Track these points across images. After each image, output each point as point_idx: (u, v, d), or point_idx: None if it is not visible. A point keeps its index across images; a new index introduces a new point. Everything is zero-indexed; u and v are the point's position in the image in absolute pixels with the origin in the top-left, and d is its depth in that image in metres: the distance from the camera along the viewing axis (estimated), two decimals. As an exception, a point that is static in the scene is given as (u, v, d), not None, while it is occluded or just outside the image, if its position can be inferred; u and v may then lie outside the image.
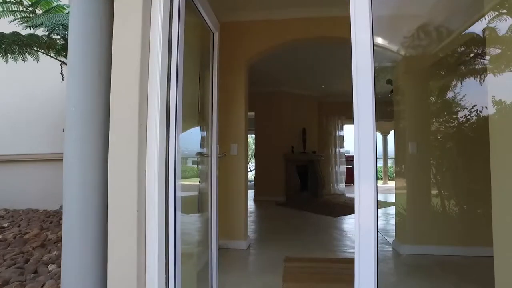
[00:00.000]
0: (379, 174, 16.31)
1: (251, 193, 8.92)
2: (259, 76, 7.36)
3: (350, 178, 12.67)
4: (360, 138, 1.55)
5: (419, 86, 3.86)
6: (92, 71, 1.64)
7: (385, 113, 10.18)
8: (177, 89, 1.78)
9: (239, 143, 4.04)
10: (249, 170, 16.41)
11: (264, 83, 8.03)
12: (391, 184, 13.41)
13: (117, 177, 1.61)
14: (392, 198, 8.50)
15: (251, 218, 6.04)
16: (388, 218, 5.97)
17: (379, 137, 14.47)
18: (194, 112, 2.49)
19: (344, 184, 9.69)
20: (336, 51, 5.64)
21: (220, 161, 3.83)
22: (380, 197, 8.90)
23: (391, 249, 4.00)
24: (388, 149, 14.73)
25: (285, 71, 6.99)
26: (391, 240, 4.40)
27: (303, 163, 8.75)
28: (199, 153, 2.50)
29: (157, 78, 1.69)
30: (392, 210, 6.65)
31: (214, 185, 2.54)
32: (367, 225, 1.52)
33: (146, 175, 1.66)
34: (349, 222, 5.62)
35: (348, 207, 7.07)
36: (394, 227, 4.89)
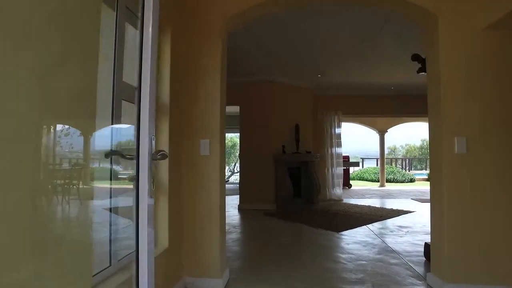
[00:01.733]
0: (374, 176, 15.30)
1: (235, 200, 7.71)
2: (244, 62, 6.16)
3: (346, 182, 11.61)
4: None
5: (473, 54, 2.72)
6: None
7: (385, 108, 9.12)
8: None
9: (213, 139, 2.84)
10: (235, 171, 15.07)
11: (250, 71, 6.83)
12: (389, 186, 12.37)
13: None
14: (390, 203, 7.40)
15: (233, 235, 4.83)
16: (402, 234, 4.84)
17: (375, 135, 13.47)
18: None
19: (341, 188, 8.56)
20: (334, 27, 4.49)
21: (178, 164, 2.69)
22: (374, 203, 7.80)
23: None
24: (385, 149, 13.70)
25: (275, 55, 5.82)
26: (420, 270, 3.25)
27: (296, 165, 7.59)
28: (113, 153, 1.30)
29: None
30: (399, 221, 5.55)
31: (144, 203, 1.35)
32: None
33: None
34: (358, 240, 4.46)
35: (351, 217, 5.92)
36: (422, 251, 3.75)
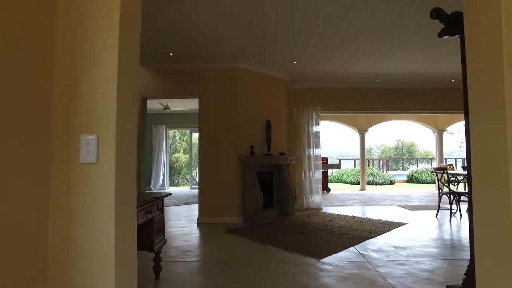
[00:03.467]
0: (353, 178, 14.37)
1: (194, 212, 6.43)
2: (202, 45, 4.90)
3: (324, 186, 10.55)
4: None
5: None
6: None
7: (369, 103, 8.07)
8: None
9: (103, 135, 1.57)
10: (193, 179, 13.55)
11: (211, 56, 5.58)
12: (370, 189, 11.42)
13: None
14: (375, 212, 6.33)
15: (178, 267, 3.55)
16: (402, 260, 3.72)
17: (352, 135, 12.53)
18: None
19: (320, 194, 7.43)
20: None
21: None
22: (358, 211, 6.72)
23: None
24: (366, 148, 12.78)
25: (242, 36, 4.60)
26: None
27: (267, 168, 6.39)
28: None
29: None
30: (393, 238, 4.44)
31: None
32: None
33: None
34: (347, 274, 3.29)
35: (334, 234, 4.77)
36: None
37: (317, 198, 7.30)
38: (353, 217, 6.26)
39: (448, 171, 6.03)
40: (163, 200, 3.31)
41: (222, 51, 5.44)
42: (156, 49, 5.28)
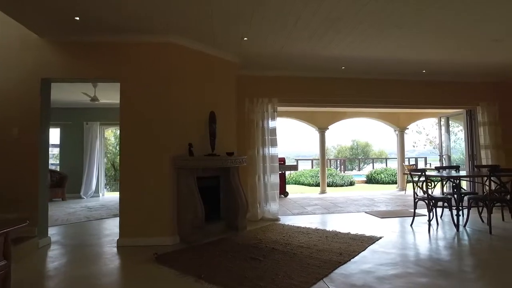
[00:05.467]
0: (311, 179, 13.48)
1: (114, 230, 4.99)
2: (123, 6, 3.52)
3: (281, 190, 9.45)
4: None
5: None
6: None
7: (335, 95, 6.82)
8: None
9: None
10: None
11: (135, 26, 4.19)
12: (331, 192, 10.50)
13: None
14: (337, 221, 5.26)
15: None
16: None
17: (314, 133, 11.64)
18: None
19: (277, 201, 6.27)
20: None
21: None
22: (321, 221, 5.65)
23: None
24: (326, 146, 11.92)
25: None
26: None
27: (212, 172, 5.10)
28: None
29: None
30: (371, 260, 3.32)
31: None
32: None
33: None
34: None
35: (296, 260, 3.56)
36: None
37: (273, 206, 6.13)
38: (316, 230, 5.15)
39: (427, 173, 5.12)
40: (6, 237, 1.91)
41: (149, 21, 4.07)
42: (58, 12, 3.80)
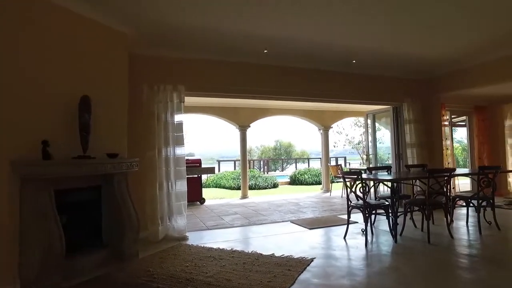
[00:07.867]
0: (233, 182, 12.41)
1: None
2: None
3: (196, 196, 8.18)
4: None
5: None
6: None
7: (259, 84, 5.33)
8: None
9: None
10: None
11: None
12: (253, 196, 9.49)
13: None
14: (258, 236, 4.18)
15: None
16: None
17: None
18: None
19: (185, 214, 4.97)
20: None
21: None
22: (239, 238, 4.55)
23: None
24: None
25: None
26: None
27: (87, 182, 3.62)
28: None
29: None
30: None
31: None
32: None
33: None
34: None
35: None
36: None
37: (180, 221, 4.82)
38: (232, 252, 4.00)
39: (363, 176, 4.31)
40: None
41: None
42: None
